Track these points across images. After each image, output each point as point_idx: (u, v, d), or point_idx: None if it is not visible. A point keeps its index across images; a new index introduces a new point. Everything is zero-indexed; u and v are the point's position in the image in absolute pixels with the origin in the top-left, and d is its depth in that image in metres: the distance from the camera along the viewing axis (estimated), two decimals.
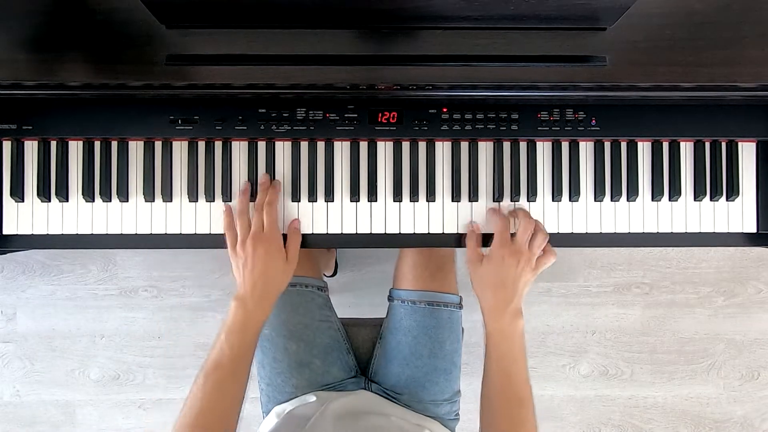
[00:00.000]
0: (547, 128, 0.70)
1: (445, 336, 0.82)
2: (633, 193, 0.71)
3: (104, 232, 0.70)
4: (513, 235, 0.67)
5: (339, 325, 0.87)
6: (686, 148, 0.72)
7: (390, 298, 0.88)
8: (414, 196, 0.71)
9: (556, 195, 0.71)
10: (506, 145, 0.71)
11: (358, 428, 0.71)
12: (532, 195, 0.71)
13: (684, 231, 0.72)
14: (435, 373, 0.81)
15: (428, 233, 0.72)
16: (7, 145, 0.69)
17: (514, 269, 0.64)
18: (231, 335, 0.64)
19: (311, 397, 0.78)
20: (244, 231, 0.67)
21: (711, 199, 0.72)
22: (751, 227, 0.72)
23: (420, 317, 0.82)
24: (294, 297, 0.82)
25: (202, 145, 0.70)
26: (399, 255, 0.92)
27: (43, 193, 0.69)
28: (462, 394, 0.86)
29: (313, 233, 0.71)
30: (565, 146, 0.71)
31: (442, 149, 0.72)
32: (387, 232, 0.72)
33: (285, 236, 0.69)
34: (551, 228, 0.72)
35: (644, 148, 0.72)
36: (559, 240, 0.72)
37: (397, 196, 0.71)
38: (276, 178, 0.71)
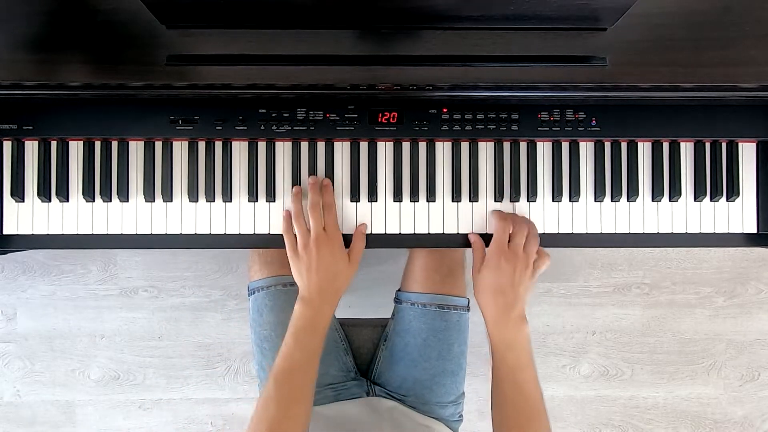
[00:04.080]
0: (548, 128, 0.70)
1: (454, 338, 0.82)
2: (633, 194, 0.71)
3: (104, 232, 0.70)
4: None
5: (337, 326, 0.87)
6: (686, 149, 0.72)
7: (397, 300, 0.88)
8: (414, 197, 0.71)
9: (557, 195, 0.71)
10: (506, 146, 0.71)
11: None
12: (532, 195, 0.71)
13: (684, 231, 0.72)
14: (442, 375, 0.81)
15: (428, 233, 0.72)
16: (7, 145, 0.69)
17: (511, 274, 0.63)
18: (300, 336, 0.63)
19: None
20: (304, 234, 0.66)
21: (711, 200, 0.72)
22: (752, 228, 0.72)
23: (430, 320, 0.82)
24: (292, 297, 0.81)
25: (202, 145, 0.70)
26: (409, 257, 0.91)
27: (44, 193, 0.69)
28: (465, 395, 0.86)
29: None
30: (565, 146, 0.71)
31: (443, 149, 0.72)
32: (387, 232, 0.72)
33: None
34: (551, 228, 0.72)
35: (644, 149, 0.72)
36: (560, 240, 0.72)
37: (398, 197, 0.71)
38: (276, 178, 0.71)
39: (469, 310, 0.85)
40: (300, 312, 0.65)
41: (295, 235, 0.67)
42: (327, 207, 0.67)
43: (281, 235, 0.70)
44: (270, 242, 0.71)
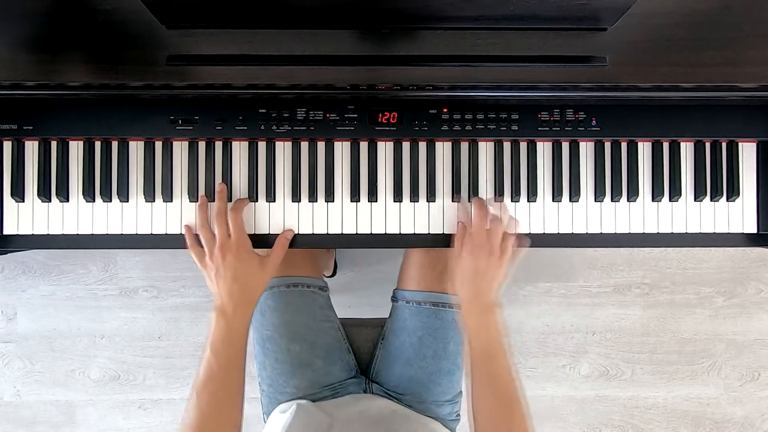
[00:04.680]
0: (548, 128, 0.70)
1: (450, 337, 0.82)
2: (633, 194, 0.71)
3: (104, 232, 0.70)
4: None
5: (339, 325, 0.87)
6: (686, 149, 0.72)
7: (394, 299, 0.88)
8: (414, 197, 0.71)
9: (557, 195, 0.71)
10: (506, 146, 0.71)
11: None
12: (532, 195, 0.71)
13: (684, 231, 0.72)
14: (438, 374, 0.81)
15: (429, 233, 0.72)
16: (7, 145, 0.69)
17: (486, 263, 0.65)
18: (216, 346, 0.63)
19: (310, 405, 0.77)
20: (209, 243, 0.66)
21: (711, 200, 0.72)
22: (752, 227, 0.72)
23: (425, 318, 0.82)
24: (296, 298, 0.82)
25: (202, 145, 0.70)
26: (404, 256, 0.92)
27: (44, 193, 0.69)
28: (462, 394, 0.86)
29: (313, 233, 0.71)
30: (565, 146, 0.71)
31: (443, 149, 0.72)
32: (387, 232, 0.72)
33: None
34: (551, 228, 0.72)
35: (644, 149, 0.72)
36: (560, 240, 0.72)
37: (398, 197, 0.71)
38: (276, 178, 0.71)
39: None
40: (213, 324, 0.64)
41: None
42: (232, 211, 0.67)
43: (280, 234, 0.70)
44: (270, 242, 0.71)
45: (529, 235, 0.72)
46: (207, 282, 0.67)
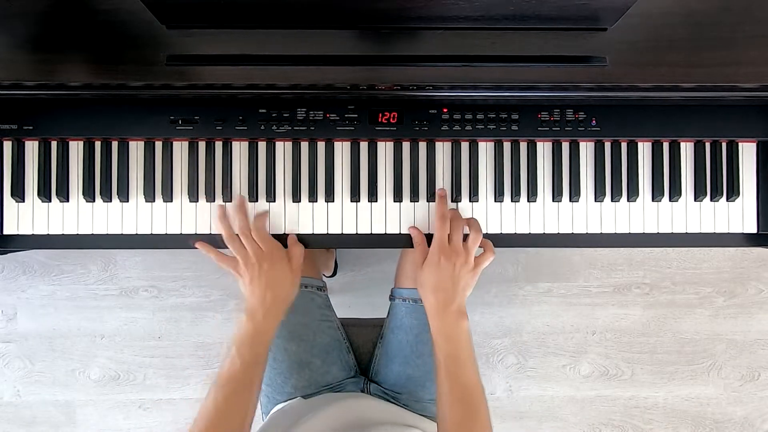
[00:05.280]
0: (548, 128, 0.70)
1: None
2: (633, 194, 0.71)
3: (105, 232, 0.70)
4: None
5: (339, 324, 0.87)
6: (686, 149, 0.72)
7: (391, 297, 0.88)
8: (414, 197, 0.71)
9: (557, 195, 0.71)
10: (506, 146, 0.71)
11: None
12: (532, 195, 0.71)
13: (684, 231, 0.72)
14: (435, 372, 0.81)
15: (429, 233, 0.72)
16: (7, 145, 0.69)
17: (450, 271, 0.65)
18: (242, 347, 0.64)
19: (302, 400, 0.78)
20: (242, 254, 0.67)
21: (711, 200, 0.72)
22: (752, 227, 0.72)
23: (421, 315, 0.82)
24: (306, 298, 0.82)
25: (202, 145, 0.70)
26: (401, 254, 0.92)
27: (44, 193, 0.69)
28: None
29: (313, 233, 0.71)
30: (565, 146, 0.71)
31: (443, 149, 0.72)
32: (387, 232, 0.72)
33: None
34: (551, 228, 0.72)
35: (644, 149, 0.72)
36: (560, 240, 0.72)
37: (398, 197, 0.71)
38: (276, 178, 0.71)
39: None
40: (242, 325, 0.66)
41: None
42: (256, 231, 0.68)
43: (281, 234, 0.70)
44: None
45: (529, 235, 0.72)
46: (240, 286, 0.68)
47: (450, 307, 0.65)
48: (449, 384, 0.62)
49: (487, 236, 0.70)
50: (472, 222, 0.69)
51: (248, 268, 0.67)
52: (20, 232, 0.70)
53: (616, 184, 0.71)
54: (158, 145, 0.70)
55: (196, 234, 0.71)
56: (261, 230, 0.68)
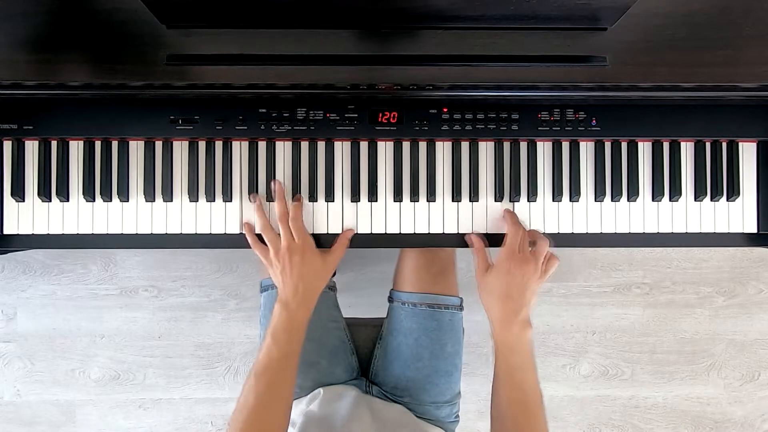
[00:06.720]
0: (548, 128, 0.70)
1: (447, 338, 0.82)
2: (633, 193, 0.71)
3: (105, 232, 0.70)
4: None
5: (344, 326, 0.87)
6: (687, 149, 0.72)
7: (390, 300, 0.88)
8: (414, 196, 0.71)
9: (557, 195, 0.71)
10: (507, 145, 0.71)
11: None
12: (532, 195, 0.71)
13: (684, 231, 0.72)
14: (436, 375, 0.81)
15: (429, 233, 0.72)
16: (7, 145, 0.69)
17: (520, 279, 0.64)
18: (278, 336, 0.65)
19: (319, 392, 0.78)
20: (274, 243, 0.68)
21: (711, 200, 0.72)
22: (752, 227, 0.72)
23: (421, 319, 0.82)
24: None
25: (202, 145, 0.70)
26: (399, 256, 0.92)
27: (44, 193, 0.69)
28: (461, 395, 0.86)
29: (313, 233, 0.71)
30: (565, 146, 0.71)
31: (443, 149, 0.72)
32: (387, 232, 0.72)
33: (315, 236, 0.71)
34: (551, 228, 0.72)
35: (645, 148, 0.72)
36: (560, 240, 0.72)
37: (398, 196, 0.71)
38: (276, 178, 0.71)
39: (462, 309, 0.85)
40: (277, 314, 0.67)
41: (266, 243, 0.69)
42: (293, 221, 0.68)
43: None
44: None
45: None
46: (271, 276, 0.69)
47: (517, 316, 0.64)
48: (512, 393, 0.63)
49: (486, 236, 0.70)
50: (533, 231, 0.69)
51: (279, 259, 0.67)
52: (20, 232, 0.70)
53: (616, 183, 0.71)
54: (158, 144, 0.70)
55: (196, 234, 0.71)
56: (297, 220, 0.69)
